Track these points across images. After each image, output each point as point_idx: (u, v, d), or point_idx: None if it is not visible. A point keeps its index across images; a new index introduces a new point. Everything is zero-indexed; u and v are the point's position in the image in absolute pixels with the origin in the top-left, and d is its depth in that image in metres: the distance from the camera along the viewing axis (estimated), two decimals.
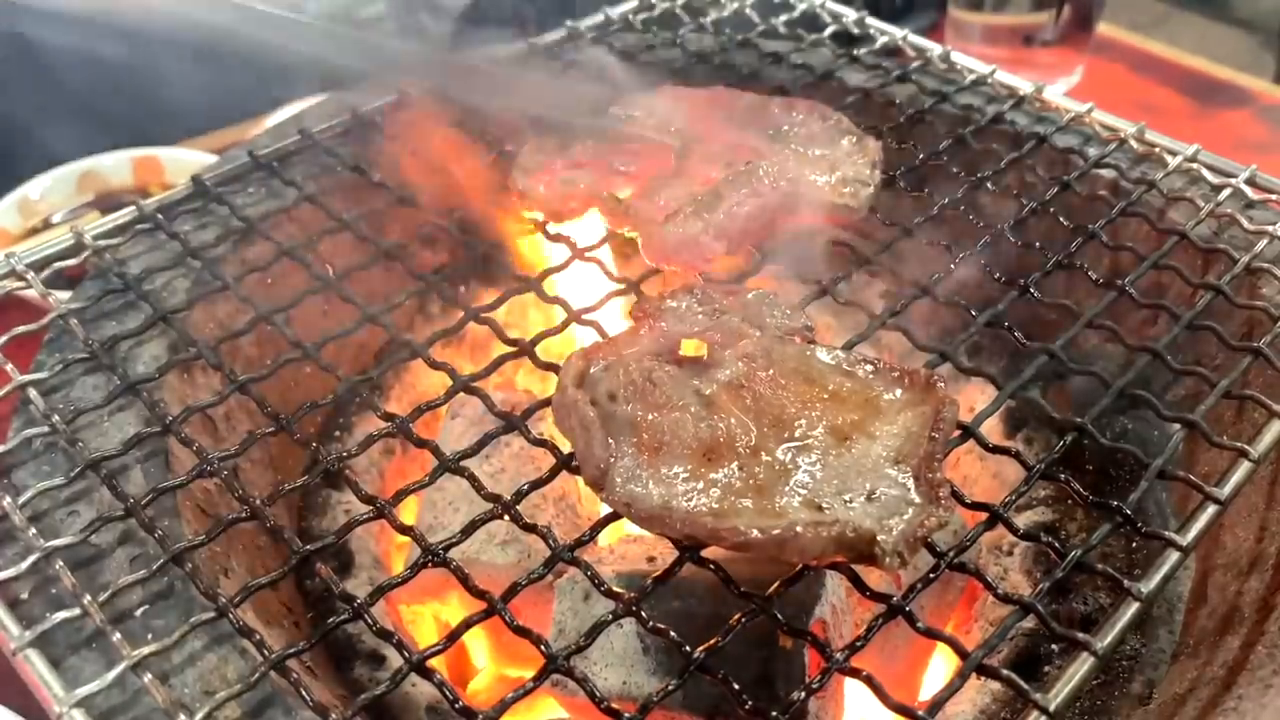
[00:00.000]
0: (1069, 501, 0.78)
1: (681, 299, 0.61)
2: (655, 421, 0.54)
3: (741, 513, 0.50)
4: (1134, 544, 0.73)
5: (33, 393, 0.62)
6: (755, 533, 0.47)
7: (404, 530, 0.55)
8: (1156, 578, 0.51)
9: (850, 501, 0.50)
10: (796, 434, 0.54)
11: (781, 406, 0.55)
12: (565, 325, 0.65)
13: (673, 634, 0.50)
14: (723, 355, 0.57)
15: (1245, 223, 0.74)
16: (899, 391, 0.56)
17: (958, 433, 0.58)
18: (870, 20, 0.96)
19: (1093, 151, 0.81)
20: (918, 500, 0.50)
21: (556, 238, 0.72)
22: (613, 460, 0.52)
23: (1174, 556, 0.52)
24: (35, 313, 0.68)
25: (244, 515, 0.55)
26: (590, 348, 0.58)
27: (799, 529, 0.47)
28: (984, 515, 0.55)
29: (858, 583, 0.52)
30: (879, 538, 0.47)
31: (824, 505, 0.50)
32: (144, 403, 0.62)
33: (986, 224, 0.73)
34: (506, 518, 0.55)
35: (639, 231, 0.68)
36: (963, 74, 0.89)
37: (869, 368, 0.57)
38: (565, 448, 0.57)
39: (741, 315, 0.60)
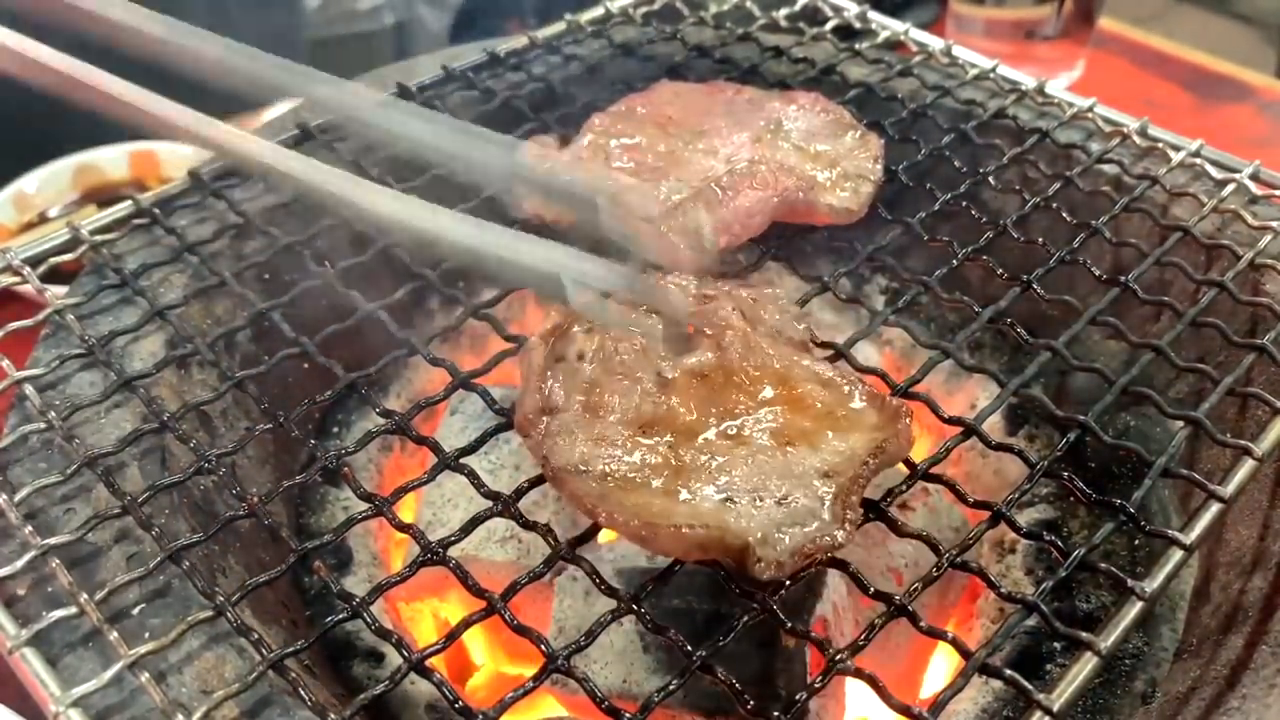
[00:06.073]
0: (1071, 499, 0.78)
1: (682, 286, 0.61)
2: (606, 385, 0.54)
3: (642, 489, 0.50)
4: (1136, 542, 0.73)
5: (29, 389, 0.61)
6: (620, 518, 0.48)
7: (403, 528, 0.54)
8: (1160, 577, 0.50)
9: (760, 501, 0.50)
10: (740, 429, 0.54)
11: (736, 401, 0.55)
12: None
13: (673, 633, 0.49)
14: (700, 343, 0.57)
15: (1249, 218, 0.73)
16: (864, 412, 0.55)
17: (958, 431, 0.58)
18: (872, 14, 0.95)
19: (1095, 147, 0.81)
20: (825, 518, 0.49)
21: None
22: (555, 413, 0.53)
23: (1177, 555, 0.51)
24: (31, 308, 0.67)
25: (242, 513, 0.55)
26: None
27: (668, 526, 0.47)
28: (986, 514, 0.54)
29: (859, 581, 0.52)
30: (752, 542, 0.47)
31: (734, 499, 0.50)
32: (141, 399, 0.61)
33: (989, 219, 0.72)
34: (506, 515, 0.54)
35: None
36: (965, 69, 0.89)
37: (844, 383, 0.56)
38: None
39: (735, 307, 0.59)
